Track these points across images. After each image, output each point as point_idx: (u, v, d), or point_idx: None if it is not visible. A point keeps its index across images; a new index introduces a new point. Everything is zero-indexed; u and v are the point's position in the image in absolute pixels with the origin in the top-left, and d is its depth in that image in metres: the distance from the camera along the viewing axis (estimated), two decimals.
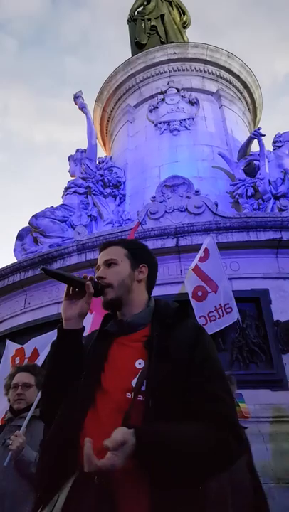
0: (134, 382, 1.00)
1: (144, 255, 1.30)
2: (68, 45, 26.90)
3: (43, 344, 3.71)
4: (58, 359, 1.13)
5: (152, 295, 1.30)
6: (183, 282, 4.27)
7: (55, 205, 6.35)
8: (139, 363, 1.05)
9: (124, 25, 10.22)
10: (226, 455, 0.94)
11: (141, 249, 1.33)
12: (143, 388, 0.98)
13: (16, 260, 5.71)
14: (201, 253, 3.96)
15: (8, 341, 4.37)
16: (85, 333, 1.22)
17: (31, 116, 26.71)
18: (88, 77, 25.06)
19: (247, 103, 8.32)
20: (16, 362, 3.88)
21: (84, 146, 7.38)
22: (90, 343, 1.20)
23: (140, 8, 9.89)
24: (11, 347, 4.28)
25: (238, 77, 8.00)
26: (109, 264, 1.23)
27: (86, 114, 7.44)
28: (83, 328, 1.17)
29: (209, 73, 7.81)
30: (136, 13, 9.82)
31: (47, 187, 25.80)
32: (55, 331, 1.16)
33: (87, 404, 1.02)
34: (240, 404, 3.36)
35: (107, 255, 1.24)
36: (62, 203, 6.58)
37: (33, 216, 5.97)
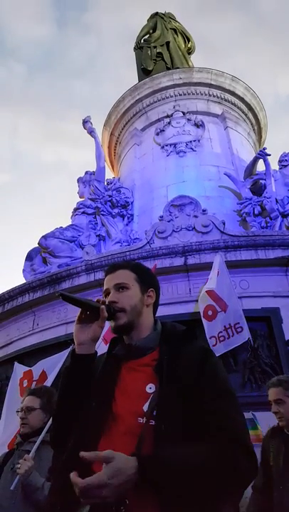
0: (145, 407, 0.99)
1: (151, 279, 1.31)
2: (75, 70, 28.07)
3: (51, 366, 3.67)
4: (70, 384, 1.12)
5: (161, 314, 1.30)
6: (192, 301, 4.24)
7: (63, 225, 6.44)
8: (150, 388, 1.04)
9: (130, 50, 10.64)
10: (234, 472, 0.91)
11: (148, 273, 1.34)
12: (154, 413, 0.98)
13: (24, 280, 5.76)
14: (215, 273, 3.94)
15: (16, 364, 4.33)
16: None
17: (40, 138, 27.58)
18: (95, 99, 25.97)
19: (252, 124, 8.47)
20: (24, 385, 3.84)
21: (91, 166, 7.55)
22: (98, 367, 1.19)
23: (146, 36, 10.30)
24: (19, 369, 4.24)
25: (242, 99, 8.18)
26: (120, 287, 1.22)
27: (95, 138, 7.65)
28: (96, 352, 1.17)
29: (214, 96, 8.01)
30: (142, 40, 10.23)
31: (55, 207, 26.28)
32: (64, 352, 1.15)
33: (100, 430, 1.01)
34: (258, 426, 3.25)
35: (117, 279, 1.24)
36: (71, 223, 6.66)
37: (42, 237, 6.05)
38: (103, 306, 1.14)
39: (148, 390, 1.03)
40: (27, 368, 4.20)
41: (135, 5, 25.63)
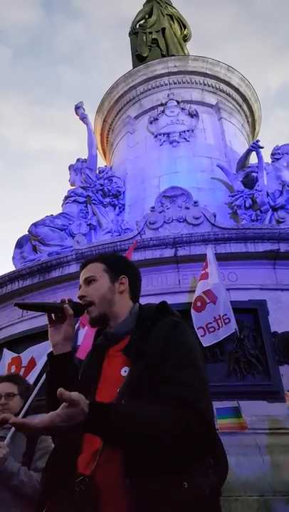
0: (118, 390, 1.02)
1: (122, 266, 1.32)
2: (63, 55, 27.35)
3: (40, 353, 3.70)
4: (53, 385, 1.13)
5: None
6: (181, 292, 4.29)
7: (50, 212, 6.38)
8: (125, 371, 1.07)
9: (119, 36, 10.47)
10: (188, 438, 0.90)
11: (119, 261, 1.34)
12: (125, 394, 1.00)
13: (13, 268, 5.73)
14: (213, 267, 3.96)
15: (5, 350, 4.36)
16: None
17: (26, 125, 26.98)
18: (83, 86, 25.43)
19: (246, 116, 8.44)
20: (12, 370, 3.87)
21: (79, 154, 7.50)
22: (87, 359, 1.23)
23: (142, 22, 10.08)
24: (8, 355, 4.27)
25: (237, 90, 8.13)
26: (89, 281, 1.24)
27: (87, 124, 7.53)
28: (72, 350, 1.19)
29: (209, 86, 7.94)
30: (137, 26, 10.01)
31: (42, 194, 25.98)
32: None
33: None
34: (242, 414, 3.35)
35: (87, 273, 1.27)
36: (62, 211, 6.61)
37: (32, 224, 6.00)
38: (66, 305, 1.16)
39: (122, 374, 1.06)
40: (15, 355, 4.23)
41: None
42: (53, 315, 1.19)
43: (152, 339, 1.08)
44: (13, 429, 2.04)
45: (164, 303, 1.24)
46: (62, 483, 0.95)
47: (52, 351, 1.18)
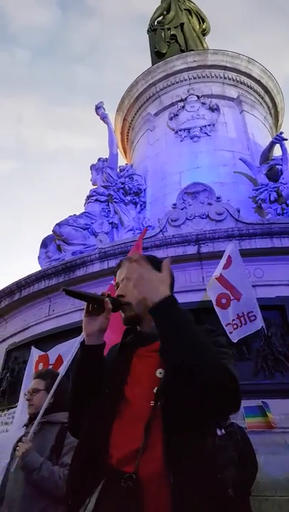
0: (156, 390, 1.03)
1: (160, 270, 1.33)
2: (79, 55, 27.73)
3: (67, 351, 3.75)
4: (82, 374, 1.17)
5: None
6: (205, 290, 4.23)
7: (71, 211, 6.50)
8: (160, 372, 1.08)
9: (134, 33, 10.53)
10: (225, 381, 0.93)
11: (156, 263, 1.35)
12: (164, 395, 1.01)
13: (37, 267, 5.85)
14: (224, 261, 3.91)
15: (32, 348, 4.45)
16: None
17: (44, 125, 27.49)
18: (99, 84, 25.65)
19: (268, 108, 8.23)
20: (40, 368, 3.95)
21: (98, 151, 7.60)
22: (112, 356, 1.24)
23: (160, 18, 10.03)
24: (35, 353, 4.36)
25: (258, 82, 7.94)
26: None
27: (108, 124, 7.58)
28: (104, 343, 1.21)
29: (229, 79, 7.79)
30: (156, 22, 9.96)
31: (62, 193, 26.35)
32: (79, 337, 1.19)
33: (112, 415, 1.06)
34: (267, 413, 3.29)
35: (125, 272, 1.28)
36: (84, 210, 6.69)
37: (56, 224, 6.11)
38: (107, 299, 1.18)
39: (158, 375, 1.07)
40: (42, 352, 4.31)
41: None
42: (90, 306, 1.20)
43: None
44: (36, 423, 2.08)
45: (197, 314, 1.29)
46: (97, 479, 0.98)
47: (83, 341, 1.20)
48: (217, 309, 3.77)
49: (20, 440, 2.04)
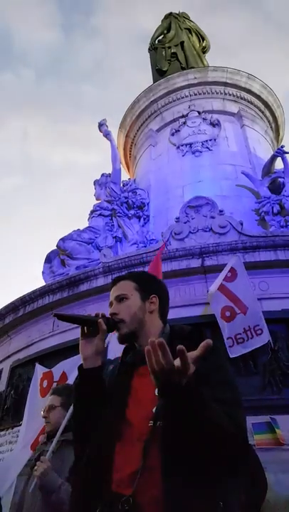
0: (154, 410, 1.02)
1: (153, 286, 1.34)
2: (83, 73, 28.40)
3: (71, 367, 3.72)
4: (82, 398, 1.17)
5: (178, 316, 1.33)
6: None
7: (75, 226, 6.54)
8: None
9: (137, 52, 10.80)
10: (235, 442, 0.94)
11: (149, 280, 1.37)
12: (162, 415, 1.00)
13: (42, 282, 5.86)
14: (225, 273, 3.90)
15: (37, 365, 4.41)
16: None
17: (50, 142, 27.97)
18: (104, 102, 26.18)
19: (269, 121, 8.34)
20: (44, 385, 3.91)
21: (102, 167, 7.71)
22: (108, 373, 1.24)
23: (160, 37, 10.30)
24: (40, 370, 4.32)
25: (258, 97, 8.07)
26: (120, 299, 1.27)
27: (110, 140, 7.71)
28: (103, 364, 1.21)
29: (230, 95, 7.93)
30: (156, 41, 10.22)
31: (66, 208, 26.62)
32: None
33: (114, 438, 1.05)
34: (276, 430, 3.21)
35: (118, 291, 1.29)
36: (88, 225, 6.74)
37: (60, 239, 6.15)
38: (100, 320, 1.17)
39: (157, 393, 1.05)
40: (47, 369, 4.27)
41: (141, 6, 25.79)
42: (85, 328, 1.19)
43: None
44: (54, 442, 2.04)
45: (198, 329, 1.29)
46: (98, 502, 0.97)
47: (82, 364, 1.19)
48: (220, 322, 3.74)
49: (38, 459, 1.99)
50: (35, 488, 1.86)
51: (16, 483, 3.16)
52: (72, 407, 2.12)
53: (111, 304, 1.29)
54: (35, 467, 1.89)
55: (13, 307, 5.54)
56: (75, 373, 3.62)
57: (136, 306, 1.24)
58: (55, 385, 3.75)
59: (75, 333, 4.70)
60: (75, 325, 4.24)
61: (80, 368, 1.19)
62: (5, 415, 4.88)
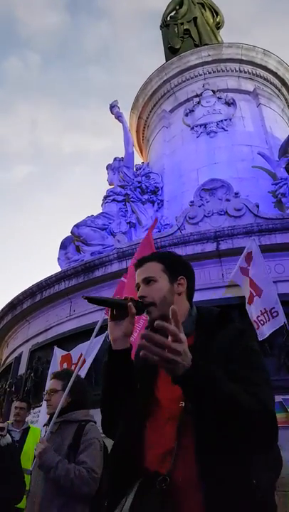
0: None
1: (180, 267, 1.30)
2: (90, 57, 27.64)
3: (89, 350, 3.81)
4: (110, 378, 1.19)
5: (194, 300, 1.31)
6: (224, 287, 4.19)
7: (89, 212, 6.53)
8: None
9: (144, 32, 10.42)
10: (260, 423, 0.93)
11: (176, 261, 1.32)
12: None
13: (58, 268, 5.94)
14: (243, 258, 3.87)
15: (55, 348, 4.54)
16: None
17: (60, 129, 27.67)
18: (112, 86, 25.52)
19: (286, 100, 8.04)
20: (64, 367, 4.02)
21: (113, 153, 7.56)
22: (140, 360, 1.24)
23: (173, 13, 9.93)
24: (58, 353, 4.45)
25: (275, 74, 7.77)
26: (148, 281, 1.23)
27: (123, 123, 7.59)
28: (131, 346, 1.21)
29: (245, 72, 7.65)
30: (168, 18, 9.87)
31: (79, 195, 26.58)
32: (100, 337, 1.20)
33: (145, 417, 1.08)
34: (288, 410, 3.25)
35: (145, 273, 1.25)
36: (101, 211, 6.74)
37: (74, 225, 6.18)
38: (130, 303, 1.16)
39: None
40: (65, 352, 4.39)
41: None
42: (114, 311, 1.20)
43: (219, 344, 1.10)
44: (52, 423, 2.13)
45: (226, 311, 1.27)
46: (133, 480, 1.00)
47: (110, 345, 1.20)
48: (247, 306, 3.76)
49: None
50: (36, 466, 1.99)
51: None
52: (67, 390, 2.20)
53: (138, 286, 1.26)
54: (35, 447, 2.02)
55: (31, 292, 5.66)
56: (93, 355, 3.69)
57: (165, 288, 1.21)
58: (73, 366, 3.85)
59: (91, 317, 4.78)
60: (91, 310, 4.28)
61: (109, 348, 1.20)
62: (26, 396, 5.06)
